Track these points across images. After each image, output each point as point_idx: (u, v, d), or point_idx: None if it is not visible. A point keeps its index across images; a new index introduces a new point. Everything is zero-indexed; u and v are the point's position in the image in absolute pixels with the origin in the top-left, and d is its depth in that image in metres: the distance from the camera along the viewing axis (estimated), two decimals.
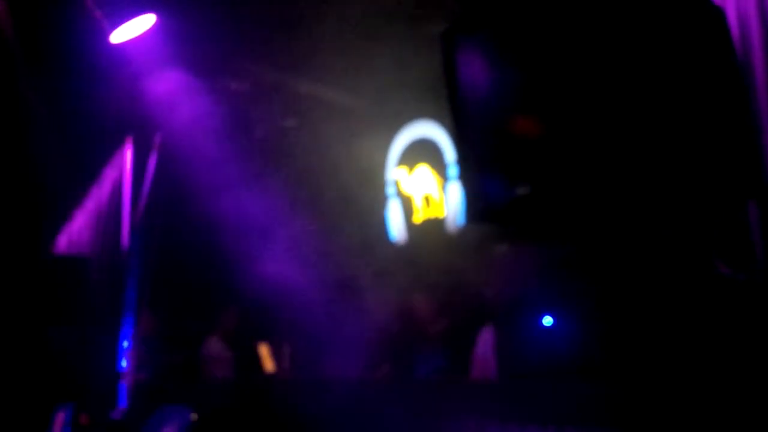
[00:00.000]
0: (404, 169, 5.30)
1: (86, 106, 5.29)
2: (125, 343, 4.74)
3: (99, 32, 4.77)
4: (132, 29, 4.39)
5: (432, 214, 5.07)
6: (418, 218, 5.17)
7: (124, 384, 4.63)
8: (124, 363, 4.66)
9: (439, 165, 5.12)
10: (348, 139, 5.12)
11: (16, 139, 5.42)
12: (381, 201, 5.21)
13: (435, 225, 4.99)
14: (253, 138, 5.51)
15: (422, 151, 5.20)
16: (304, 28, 4.67)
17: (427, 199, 5.15)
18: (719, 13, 2.68)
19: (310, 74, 5.10)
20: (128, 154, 5.57)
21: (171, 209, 5.12)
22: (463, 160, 3.56)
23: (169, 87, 5.10)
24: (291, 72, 5.17)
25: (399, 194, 5.26)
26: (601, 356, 3.30)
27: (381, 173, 5.27)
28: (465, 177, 3.47)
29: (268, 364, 4.72)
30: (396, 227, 5.18)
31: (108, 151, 5.75)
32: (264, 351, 4.72)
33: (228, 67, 5.47)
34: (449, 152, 5.05)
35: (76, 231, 5.58)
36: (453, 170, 5.00)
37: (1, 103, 5.44)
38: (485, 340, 3.75)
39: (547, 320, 3.53)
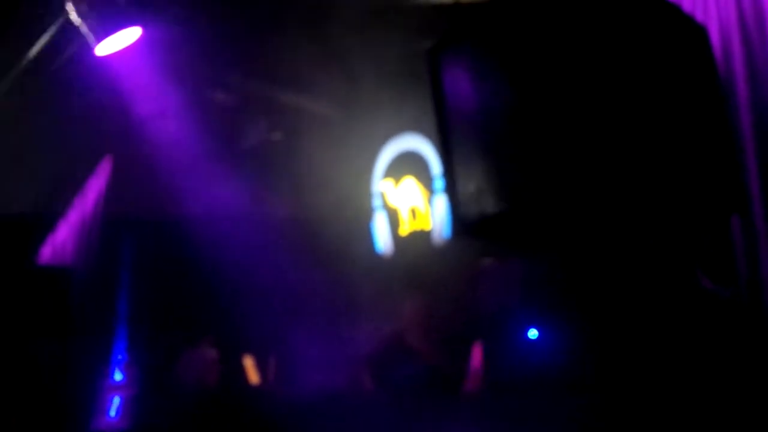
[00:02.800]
0: (391, 181, 5.32)
1: (70, 117, 5.27)
2: (119, 356, 4.71)
3: (84, 44, 4.76)
4: (117, 42, 4.38)
5: (418, 226, 5.09)
6: (404, 230, 5.18)
7: (118, 396, 4.60)
8: (118, 376, 4.63)
9: (425, 178, 5.14)
10: (334, 152, 5.13)
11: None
12: (367, 213, 5.23)
13: (421, 237, 5.00)
14: (240, 150, 5.51)
15: (409, 164, 5.22)
16: (290, 42, 4.69)
17: (413, 212, 5.17)
18: (702, 32, 2.73)
19: (296, 87, 5.12)
20: (109, 167, 5.57)
21: (155, 221, 5.10)
22: (447, 174, 3.58)
23: (154, 99, 5.09)
24: (277, 85, 5.18)
25: (385, 206, 5.28)
26: (586, 370, 3.32)
27: (367, 185, 5.29)
28: (449, 191, 3.49)
29: (253, 375, 4.71)
30: (382, 239, 5.19)
31: (92, 162, 5.73)
32: (248, 363, 4.71)
33: (214, 79, 5.48)
34: (435, 165, 5.08)
35: (60, 242, 5.55)
36: (439, 183, 5.03)
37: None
38: (476, 353, 3.77)
39: (533, 333, 3.55)
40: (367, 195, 5.25)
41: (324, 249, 4.86)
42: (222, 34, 4.71)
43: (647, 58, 2.70)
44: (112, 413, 4.58)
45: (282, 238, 4.94)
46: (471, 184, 3.39)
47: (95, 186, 5.52)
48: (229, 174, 5.17)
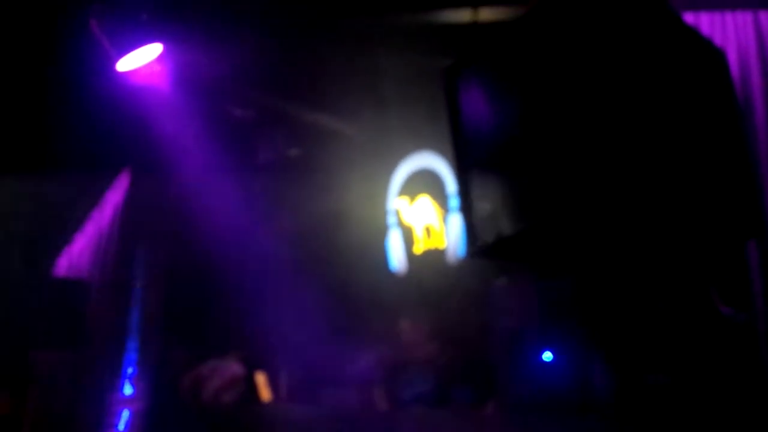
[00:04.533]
0: (406, 199, 5.33)
1: (88, 131, 5.33)
2: (129, 370, 4.72)
3: (105, 60, 4.83)
4: (139, 58, 4.44)
5: (433, 244, 5.09)
6: (418, 248, 5.18)
7: (127, 410, 4.61)
8: (129, 389, 4.63)
9: (440, 196, 5.15)
10: (350, 169, 5.15)
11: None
12: (382, 231, 5.23)
13: (435, 256, 5.00)
14: (256, 166, 5.54)
15: (424, 182, 5.23)
16: (309, 59, 4.73)
17: (427, 230, 5.17)
18: (720, 55, 2.73)
19: (313, 104, 5.15)
20: (127, 180, 5.61)
21: (172, 236, 5.13)
22: (462, 193, 3.58)
23: (173, 114, 5.14)
24: (295, 101, 5.22)
25: (400, 224, 5.28)
26: (601, 392, 3.30)
27: (382, 203, 5.30)
28: (464, 211, 3.49)
29: (265, 392, 4.70)
30: (396, 257, 5.19)
31: (109, 175, 5.78)
32: (261, 379, 4.70)
33: (232, 94, 5.52)
34: (450, 184, 5.08)
35: (77, 254, 5.59)
36: (454, 202, 5.03)
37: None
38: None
39: (547, 355, 3.53)
40: (382, 213, 5.26)
41: (338, 266, 4.87)
42: (242, 50, 4.76)
43: (666, 81, 2.70)
44: (121, 427, 4.58)
45: (296, 255, 4.95)
46: (487, 203, 3.39)
47: (112, 199, 5.56)
48: (246, 189, 5.20)
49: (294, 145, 5.57)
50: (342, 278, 4.81)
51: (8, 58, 5.15)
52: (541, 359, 3.51)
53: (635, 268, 3.25)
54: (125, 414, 4.66)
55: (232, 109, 5.57)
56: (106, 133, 5.32)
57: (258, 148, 5.69)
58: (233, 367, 4.62)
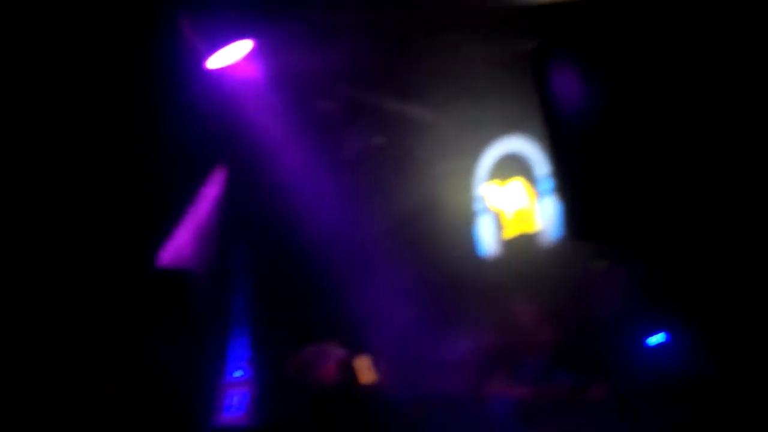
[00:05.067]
0: (494, 183, 5.34)
1: (183, 128, 5.55)
2: (237, 355, 4.92)
3: (195, 57, 5.01)
4: (228, 55, 4.59)
5: (524, 229, 5.09)
6: (509, 233, 5.19)
7: (239, 394, 4.80)
8: (239, 374, 4.83)
9: (530, 179, 5.13)
10: (436, 155, 5.20)
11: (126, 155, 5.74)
12: (471, 217, 5.26)
13: (527, 240, 5.00)
14: (343, 157, 5.65)
15: (512, 165, 5.22)
16: (393, 48, 4.77)
17: (518, 214, 5.18)
18: None
19: (398, 93, 5.20)
20: (222, 174, 5.82)
21: (270, 227, 5.30)
22: (558, 175, 3.58)
23: (262, 108, 5.30)
24: (380, 91, 5.28)
25: (489, 209, 5.30)
26: (706, 375, 3.26)
27: (470, 188, 5.32)
28: (560, 192, 3.48)
29: (367, 376, 4.81)
30: (487, 243, 5.21)
31: (205, 170, 6.01)
32: (363, 363, 4.81)
33: (319, 87, 5.63)
34: (540, 166, 5.06)
35: (180, 246, 5.85)
36: (545, 184, 5.01)
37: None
38: None
39: (654, 339, 3.51)
40: (471, 198, 5.29)
41: (428, 254, 4.94)
42: (329, 43, 4.85)
43: (755, 63, 2.64)
44: (234, 411, 4.79)
45: (389, 242, 5.05)
46: (582, 184, 3.38)
47: (210, 193, 5.78)
48: (336, 179, 5.32)
49: (379, 135, 5.64)
50: (435, 264, 4.88)
51: (100, 59, 5.41)
52: (647, 344, 3.49)
53: (738, 249, 3.19)
54: (236, 398, 4.87)
55: (319, 102, 5.68)
56: (200, 129, 5.54)
57: (344, 140, 5.80)
58: (336, 351, 4.75)
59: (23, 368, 4.48)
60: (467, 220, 5.26)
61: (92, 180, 5.31)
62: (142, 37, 5.51)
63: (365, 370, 4.70)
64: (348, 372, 4.54)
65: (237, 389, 4.88)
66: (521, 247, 5.00)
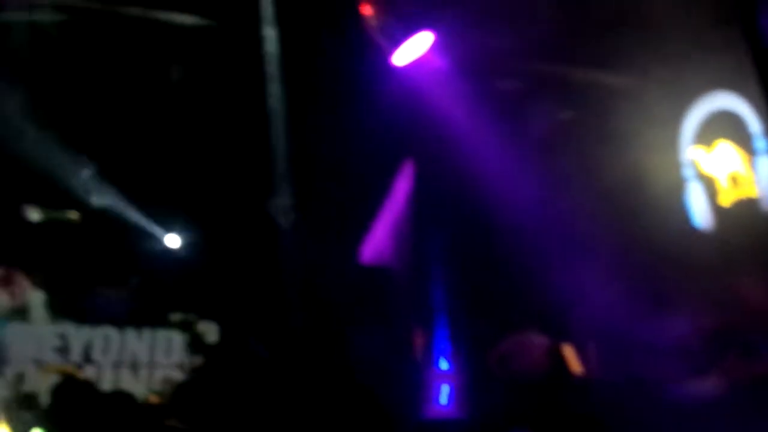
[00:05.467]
0: (702, 147, 4.86)
1: (371, 125, 5.68)
2: (443, 346, 4.96)
3: (380, 55, 5.09)
4: (412, 49, 4.61)
5: (742, 194, 4.58)
6: (725, 200, 4.70)
7: (447, 385, 4.84)
8: (445, 365, 4.87)
9: (742, 139, 4.61)
10: (635, 123, 4.83)
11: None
12: (679, 185, 4.83)
13: (747, 206, 4.49)
14: (531, 136, 5.46)
15: (721, 126, 4.72)
16: (579, 15, 4.52)
17: (733, 179, 4.67)
18: None
19: (587, 61, 4.91)
20: (412, 167, 5.88)
21: (464, 215, 5.26)
22: None
23: (446, 97, 5.26)
24: (570, 62, 5.03)
25: (699, 176, 4.83)
26: None
27: (675, 155, 4.89)
28: None
29: (574, 364, 4.62)
30: (700, 213, 4.76)
31: (396, 164, 6.11)
32: (568, 351, 4.62)
33: (499, 67, 5.50)
34: (754, 123, 4.52)
35: (378, 241, 6.01)
36: (760, 143, 4.47)
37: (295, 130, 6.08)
38: None
39: None
40: (676, 165, 4.86)
41: (636, 227, 4.61)
42: (510, 21, 4.71)
43: None
44: (443, 401, 4.81)
45: (591, 220, 4.79)
46: None
47: (402, 187, 5.87)
48: (524, 159, 5.15)
49: (568, 108, 5.38)
50: (642, 240, 4.54)
51: (286, 63, 5.69)
52: None
53: None
54: (445, 388, 4.89)
55: (502, 82, 5.54)
56: (389, 125, 5.64)
57: (530, 118, 5.60)
58: (538, 340, 4.60)
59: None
60: (676, 189, 4.84)
61: (290, 183, 5.61)
62: (330, 40, 5.72)
63: (573, 357, 4.50)
64: (556, 360, 4.38)
65: (443, 381, 4.89)
66: (741, 214, 4.50)
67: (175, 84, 5.88)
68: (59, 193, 6.20)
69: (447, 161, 5.28)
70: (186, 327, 6.38)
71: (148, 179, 6.21)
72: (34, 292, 6.16)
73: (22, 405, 4.35)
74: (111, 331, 6.26)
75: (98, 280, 6.24)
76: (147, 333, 6.28)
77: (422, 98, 5.27)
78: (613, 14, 4.31)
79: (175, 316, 6.40)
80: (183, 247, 6.71)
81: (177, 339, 6.31)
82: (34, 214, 6.18)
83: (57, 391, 3.61)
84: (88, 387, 4.06)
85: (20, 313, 6.13)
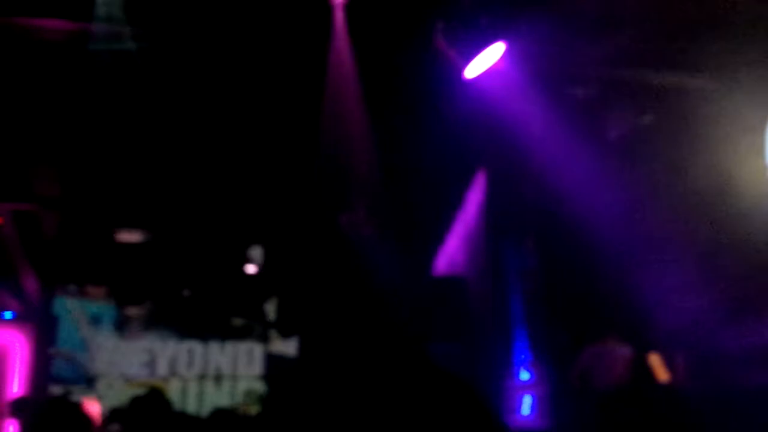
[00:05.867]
0: None
1: (444, 136, 5.70)
2: (522, 356, 4.92)
3: (452, 69, 5.12)
4: (483, 61, 4.61)
5: None
6: None
7: (529, 395, 4.79)
8: (525, 375, 4.82)
9: None
10: (720, 128, 4.71)
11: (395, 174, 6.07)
12: (766, 191, 4.67)
13: None
14: (609, 142, 5.37)
15: None
16: (657, 18, 4.44)
17: None
18: None
19: (669, 65, 4.81)
20: (485, 178, 5.87)
21: (540, 226, 5.22)
22: None
23: (518, 107, 5.24)
24: (645, 66, 4.94)
25: None
26: None
27: (762, 160, 4.74)
28: None
29: (661, 374, 4.51)
30: None
31: (468, 176, 6.11)
32: (655, 360, 4.52)
33: (574, 74, 5.44)
34: None
35: (452, 252, 6.01)
36: None
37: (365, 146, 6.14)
38: None
39: None
40: (763, 171, 4.71)
41: (720, 235, 4.48)
42: (580, 27, 4.66)
43: None
44: (525, 412, 4.76)
45: (675, 226, 4.67)
46: None
47: (474, 198, 5.87)
48: (602, 165, 5.08)
49: (648, 113, 5.28)
50: (728, 246, 4.41)
51: (364, 82, 5.77)
52: None
53: None
54: (527, 399, 4.83)
55: (576, 89, 5.48)
56: (461, 136, 5.65)
57: (608, 124, 5.52)
58: (620, 351, 4.53)
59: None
60: (763, 195, 4.68)
61: (364, 196, 5.67)
62: (402, 53, 5.79)
63: (659, 367, 4.40)
64: (640, 370, 4.29)
65: (525, 392, 4.84)
66: None
67: (250, 100, 6.04)
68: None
69: (522, 170, 5.25)
70: (265, 340, 6.52)
71: (223, 197, 6.39)
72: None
73: (111, 418, 4.52)
74: (195, 345, 6.44)
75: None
76: (229, 346, 6.44)
77: (495, 108, 5.26)
78: (697, 17, 4.22)
79: (256, 329, 6.54)
80: (260, 265, 6.86)
81: (258, 351, 6.45)
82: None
83: (138, 405, 3.70)
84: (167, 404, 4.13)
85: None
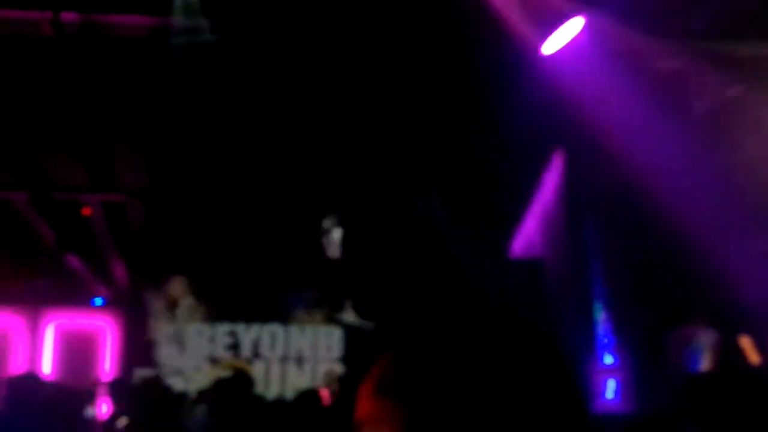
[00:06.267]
0: None
1: (521, 118, 5.60)
2: (605, 340, 4.82)
3: (529, 47, 5.02)
4: (561, 37, 4.50)
5: None
6: None
7: (613, 379, 4.69)
8: (609, 359, 4.73)
9: None
10: None
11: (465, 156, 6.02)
12: None
13: None
14: (695, 116, 5.17)
15: None
16: None
17: None
18: None
19: (755, 35, 4.58)
20: (562, 158, 5.74)
21: (620, 205, 5.08)
22: None
23: (597, 84, 5.09)
24: (734, 38, 4.72)
25: None
26: None
27: None
28: None
29: (753, 356, 4.33)
30: None
31: (545, 156, 6.00)
32: (745, 342, 4.34)
33: (656, 49, 5.25)
34: None
35: (530, 234, 5.93)
36: None
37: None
38: None
39: None
40: None
41: None
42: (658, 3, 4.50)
43: None
44: (609, 396, 4.66)
45: (762, 204, 4.47)
46: None
47: (552, 179, 5.76)
48: (687, 141, 4.89)
49: (734, 84, 5.04)
50: None
51: (432, 59, 5.73)
52: None
53: None
54: (611, 383, 4.73)
55: (659, 63, 5.29)
56: (537, 116, 5.54)
57: (693, 98, 5.31)
58: (708, 333, 4.37)
59: None
60: None
61: (439, 181, 5.65)
62: (475, 35, 5.72)
63: (750, 350, 4.23)
64: (730, 353, 4.13)
65: (609, 376, 4.73)
66: None
67: (326, 82, 6.08)
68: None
69: (602, 148, 5.11)
70: (345, 323, 6.61)
71: (303, 181, 6.49)
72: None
73: (198, 399, 4.68)
74: (277, 328, 6.59)
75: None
76: (310, 329, 6.56)
77: (573, 85, 5.13)
78: None
79: (338, 314, 6.64)
80: (341, 250, 6.93)
81: (337, 334, 6.54)
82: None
83: (223, 386, 3.79)
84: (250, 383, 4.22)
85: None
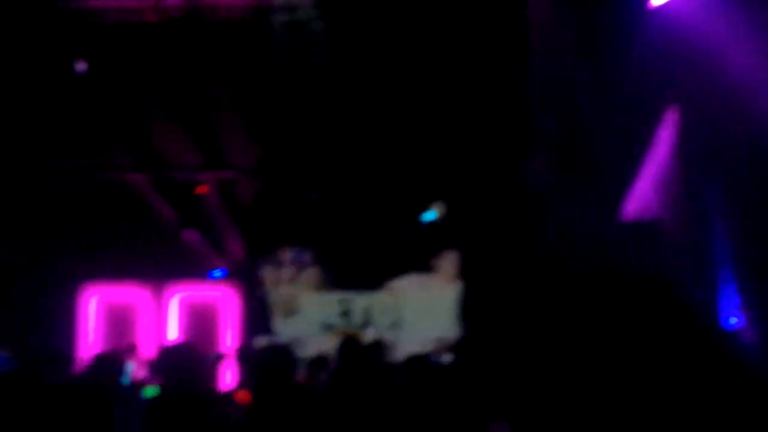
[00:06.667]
0: None
1: (633, 72, 5.37)
2: (731, 302, 4.61)
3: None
4: None
5: None
6: None
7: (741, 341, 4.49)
8: (734, 321, 4.53)
9: None
10: None
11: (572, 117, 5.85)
12: None
13: None
14: None
15: None
16: None
17: None
18: None
19: None
20: (677, 114, 5.46)
21: (739, 163, 4.79)
22: None
23: (714, 32, 4.81)
24: None
25: None
26: None
27: None
28: None
29: None
30: None
31: (657, 112, 5.73)
32: None
33: None
34: None
35: (643, 195, 5.69)
36: None
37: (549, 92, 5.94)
38: None
39: None
40: None
41: None
42: None
43: None
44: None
45: None
46: None
47: (667, 136, 5.49)
48: None
49: None
50: None
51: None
52: None
53: None
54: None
55: None
56: (649, 70, 5.30)
57: None
58: None
59: None
60: None
61: (546, 143, 5.52)
62: None
63: None
64: None
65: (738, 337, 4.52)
66: None
67: (430, 53, 6.05)
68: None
69: (721, 104, 4.82)
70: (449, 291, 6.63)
71: (406, 148, 6.51)
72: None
73: (315, 366, 4.83)
74: (387, 296, 6.70)
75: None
76: (419, 297, 6.63)
77: (688, 37, 4.86)
78: None
79: (439, 282, 6.67)
80: (439, 216, 6.94)
81: (447, 301, 6.58)
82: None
83: (341, 350, 3.88)
84: (371, 347, 4.33)
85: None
